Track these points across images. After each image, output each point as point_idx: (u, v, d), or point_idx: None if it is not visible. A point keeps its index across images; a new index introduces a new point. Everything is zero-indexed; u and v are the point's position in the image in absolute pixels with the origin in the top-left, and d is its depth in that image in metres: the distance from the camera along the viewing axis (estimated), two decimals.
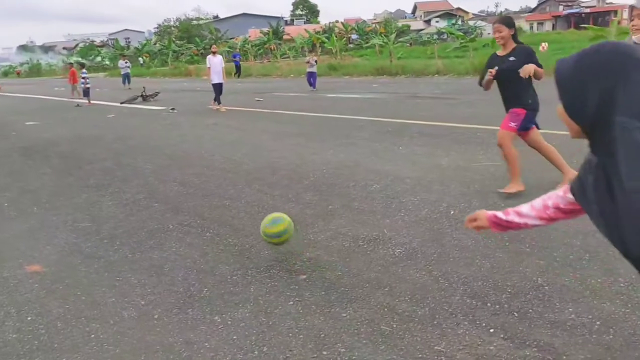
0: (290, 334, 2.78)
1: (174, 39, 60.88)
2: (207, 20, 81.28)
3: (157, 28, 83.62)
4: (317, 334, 2.76)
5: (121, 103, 18.00)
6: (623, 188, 1.20)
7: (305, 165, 6.66)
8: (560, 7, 72.80)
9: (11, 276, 3.77)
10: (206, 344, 2.75)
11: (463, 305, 2.93)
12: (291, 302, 3.12)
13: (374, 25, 58.15)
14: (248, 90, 21.37)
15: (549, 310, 2.81)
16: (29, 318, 3.15)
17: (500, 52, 4.85)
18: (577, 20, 59.49)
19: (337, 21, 61.10)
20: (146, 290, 3.42)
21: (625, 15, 50.65)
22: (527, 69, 4.44)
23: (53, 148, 9.21)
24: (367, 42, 46.83)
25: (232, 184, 5.92)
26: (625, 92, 1.20)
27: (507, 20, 4.81)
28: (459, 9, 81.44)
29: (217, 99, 14.10)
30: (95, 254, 4.12)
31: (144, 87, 19.45)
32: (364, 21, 64.70)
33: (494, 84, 4.87)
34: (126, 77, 27.43)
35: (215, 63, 13.90)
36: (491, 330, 2.66)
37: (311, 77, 19.59)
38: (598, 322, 2.66)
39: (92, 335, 2.91)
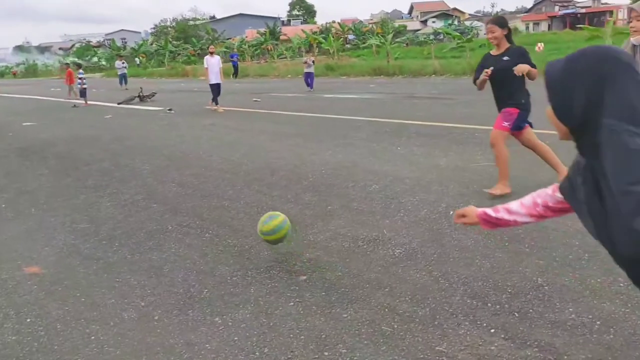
0: (292, 335, 2.77)
1: (170, 40, 60.76)
2: (204, 21, 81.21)
3: (154, 28, 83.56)
4: (318, 334, 2.76)
5: (118, 103, 17.96)
6: (611, 190, 1.22)
7: (303, 165, 6.66)
8: (556, 8, 73.05)
9: (10, 278, 3.76)
10: (207, 345, 2.75)
11: (464, 306, 2.94)
12: (292, 303, 3.12)
13: (370, 25, 58.23)
14: (245, 90, 21.35)
15: (549, 310, 2.82)
16: (28, 320, 3.14)
17: (494, 52, 4.88)
18: (572, 21, 59.66)
19: (333, 21, 61.17)
20: (146, 292, 3.41)
21: (621, 15, 50.92)
22: (521, 67, 4.49)
23: (50, 149, 9.18)
24: (364, 43, 46.84)
25: (230, 185, 5.91)
26: (612, 96, 1.23)
27: (500, 20, 4.84)
28: (455, 9, 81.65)
29: (214, 100, 14.07)
30: (94, 255, 4.11)
31: (141, 88, 19.39)
32: (361, 21, 64.72)
33: (488, 84, 4.89)
34: (123, 78, 27.34)
35: (213, 63, 13.88)
36: (492, 331, 2.67)
37: (308, 78, 19.57)
38: (598, 322, 2.67)
39: (92, 337, 2.90)
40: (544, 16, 68.04)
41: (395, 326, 2.78)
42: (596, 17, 57.40)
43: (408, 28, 61.43)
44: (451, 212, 4.49)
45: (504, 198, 4.51)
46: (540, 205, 1.69)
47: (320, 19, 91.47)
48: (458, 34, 35.07)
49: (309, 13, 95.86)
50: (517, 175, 5.07)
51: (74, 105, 18.14)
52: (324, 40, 41.89)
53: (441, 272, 3.39)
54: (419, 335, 2.68)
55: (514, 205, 1.77)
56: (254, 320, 2.95)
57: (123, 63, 28.12)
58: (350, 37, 53.59)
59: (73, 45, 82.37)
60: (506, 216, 1.78)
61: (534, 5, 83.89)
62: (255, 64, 43.83)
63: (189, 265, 3.78)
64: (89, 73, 25.79)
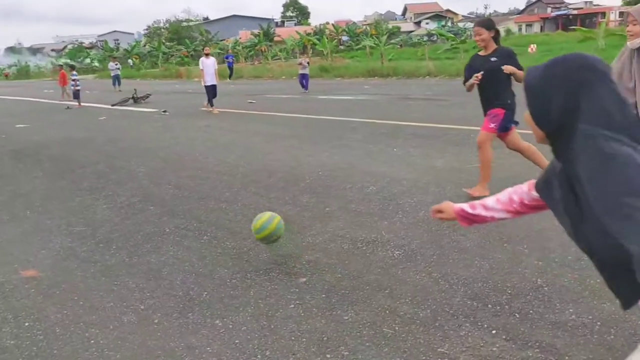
0: (293, 338, 2.77)
1: (163, 41, 60.58)
2: (197, 22, 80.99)
3: (147, 30, 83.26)
4: (319, 337, 2.75)
5: (112, 105, 17.88)
6: (586, 194, 1.25)
7: (300, 167, 6.65)
8: (549, 9, 73.47)
9: (6, 281, 3.73)
10: (208, 348, 2.73)
11: (464, 307, 2.94)
12: (292, 305, 3.11)
13: (364, 27, 58.27)
14: (240, 91, 21.32)
15: (550, 311, 2.83)
16: (26, 324, 3.11)
17: (482, 53, 4.90)
18: (565, 22, 60.06)
19: (327, 23, 61.15)
20: (145, 295, 3.40)
21: (612, 17, 51.19)
22: (509, 67, 4.56)
23: (44, 151, 9.12)
24: (357, 44, 46.92)
25: (227, 187, 5.89)
26: (588, 102, 1.28)
27: (486, 22, 4.87)
28: (448, 10, 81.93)
29: (210, 101, 14.05)
30: (91, 258, 4.09)
31: (135, 89, 19.34)
32: (354, 23, 64.80)
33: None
34: (116, 79, 27.22)
35: (208, 65, 13.84)
36: (493, 332, 2.67)
37: (303, 79, 19.57)
38: (599, 323, 2.68)
39: (92, 341, 2.88)
40: (537, 17, 68.43)
41: (397, 328, 2.78)
42: (588, 19, 57.79)
43: (402, 29, 61.65)
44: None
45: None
46: (516, 202, 1.73)
47: (314, 21, 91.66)
48: (452, 35, 35.25)
49: (303, 14, 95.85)
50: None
51: (68, 107, 18.06)
52: (318, 42, 41.90)
53: (441, 273, 3.40)
54: (420, 337, 2.68)
55: (490, 201, 1.80)
56: (255, 323, 2.94)
57: (116, 64, 28.00)
58: (344, 38, 53.65)
59: (65, 47, 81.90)
60: (483, 212, 1.82)
61: (527, 7, 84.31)
62: (249, 65, 43.77)
63: (188, 268, 3.77)
64: (82, 74, 25.65)
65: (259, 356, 2.62)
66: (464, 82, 5.01)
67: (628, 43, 3.12)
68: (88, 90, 24.87)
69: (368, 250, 3.86)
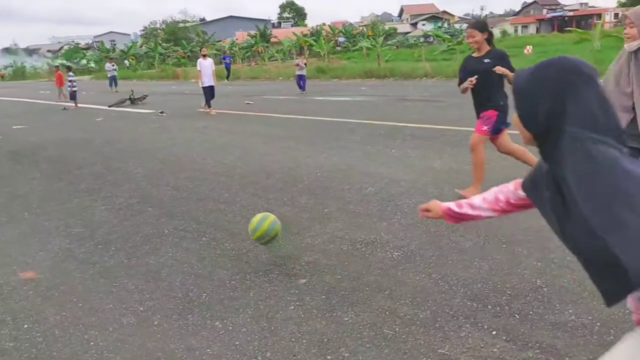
0: (293, 339, 2.77)
1: (160, 42, 60.44)
2: (194, 23, 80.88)
3: (143, 30, 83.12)
4: (320, 338, 2.75)
5: (109, 106, 17.84)
6: (573, 195, 1.28)
7: (298, 168, 6.65)
8: (544, 11, 73.78)
9: (5, 283, 3.72)
10: (208, 350, 2.73)
11: (464, 308, 2.95)
12: (292, 307, 3.11)
13: (360, 28, 58.31)
14: (237, 93, 21.29)
15: (549, 312, 2.84)
16: (25, 326, 3.10)
17: (475, 55, 4.92)
18: (560, 24, 60.32)
19: (324, 24, 61.12)
20: (144, 296, 3.39)
21: (608, 18, 51.39)
22: (500, 68, 4.57)
23: (41, 152, 9.10)
24: (354, 45, 46.94)
25: (226, 188, 5.89)
26: (575, 105, 1.30)
27: (479, 25, 4.88)
28: (444, 12, 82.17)
29: (207, 102, 14.04)
30: (90, 259, 4.08)
31: (132, 90, 19.30)
32: (351, 24, 64.83)
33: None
34: (113, 80, 27.18)
35: (206, 66, 13.83)
36: (493, 333, 2.68)
37: (301, 80, 19.56)
38: (598, 323, 2.69)
39: (92, 343, 2.87)
40: (532, 19, 68.67)
41: (397, 329, 2.78)
42: (583, 20, 58.06)
43: (398, 31, 61.65)
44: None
45: None
46: (502, 201, 1.76)
47: (311, 22, 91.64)
48: (448, 36, 35.29)
49: (300, 15, 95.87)
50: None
51: (64, 108, 18.02)
52: (314, 43, 41.86)
53: (440, 274, 3.40)
54: (420, 338, 2.68)
55: (476, 200, 1.84)
56: (255, 325, 2.94)
57: (113, 65, 27.94)
58: (341, 39, 53.65)
59: (61, 48, 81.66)
60: (469, 211, 1.86)
61: (523, 8, 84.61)
62: (246, 66, 43.74)
63: (187, 269, 3.76)
64: (78, 75, 25.56)
65: (259, 358, 2.62)
66: (459, 84, 5.03)
67: (625, 46, 3.14)
68: (84, 91, 24.81)
69: (367, 252, 3.87)
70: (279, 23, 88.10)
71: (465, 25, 55.70)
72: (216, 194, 5.69)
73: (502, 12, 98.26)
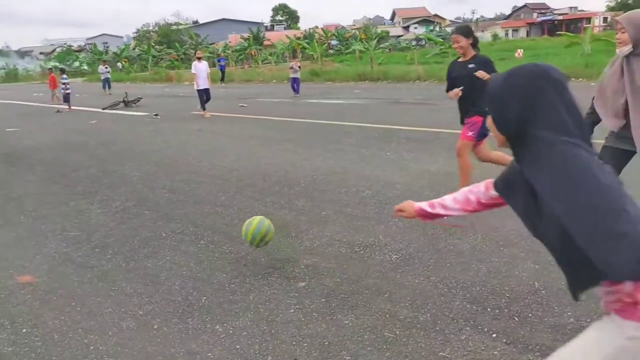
0: (294, 342, 2.77)
1: (153, 44, 60.31)
2: (187, 26, 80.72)
3: (136, 33, 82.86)
4: (321, 341, 2.76)
5: (103, 109, 17.77)
6: (546, 197, 1.35)
7: (295, 171, 6.66)
8: (534, 14, 74.32)
9: (2, 287, 3.69)
10: (209, 354, 2.73)
11: (464, 311, 2.97)
12: (292, 310, 3.11)
13: (353, 31, 58.45)
14: (231, 95, 21.27)
15: (549, 314, 2.86)
16: (24, 330, 3.09)
17: (460, 59, 4.96)
18: (550, 27, 60.81)
19: (317, 27, 61.22)
20: (143, 300, 3.38)
21: (597, 22, 51.77)
22: (482, 72, 4.60)
23: (36, 155, 9.04)
24: (347, 48, 47.07)
25: (222, 191, 5.88)
26: (544, 110, 1.38)
27: (464, 30, 4.90)
28: (436, 15, 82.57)
29: (202, 105, 14.02)
30: (88, 263, 4.06)
31: (125, 93, 19.24)
32: (343, 27, 65.02)
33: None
34: (106, 83, 27.08)
35: (201, 69, 13.82)
36: (493, 335, 2.70)
37: (295, 83, 19.59)
38: None
39: (91, 347, 2.86)
40: (523, 23, 69.19)
41: (398, 332, 2.80)
42: (573, 24, 58.58)
43: (390, 34, 61.86)
44: (445, 218, 4.52)
45: None
46: (473, 202, 1.85)
47: (304, 25, 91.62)
48: (441, 40, 35.45)
49: (292, 18, 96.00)
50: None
51: (58, 111, 17.93)
52: (308, 46, 41.95)
53: (439, 277, 3.42)
54: (421, 341, 2.70)
55: (448, 201, 1.94)
56: (255, 328, 2.94)
57: (106, 68, 27.83)
58: (334, 42, 53.77)
59: (54, 50, 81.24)
60: (442, 211, 1.97)
61: (513, 12, 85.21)
62: (240, 69, 43.72)
63: (186, 273, 3.76)
64: (71, 78, 25.25)
65: None
66: (447, 89, 5.08)
67: (617, 50, 3.17)
68: (78, 94, 24.70)
69: (366, 255, 3.88)
70: (272, 26, 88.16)
71: None
72: (213, 196, 5.69)
73: (492, 16, 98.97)
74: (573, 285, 1.45)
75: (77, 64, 61.71)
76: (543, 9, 78.12)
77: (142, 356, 2.75)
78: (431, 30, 57.77)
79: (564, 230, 1.30)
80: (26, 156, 8.99)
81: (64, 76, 18.88)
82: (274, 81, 30.48)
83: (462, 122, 4.99)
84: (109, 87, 26.97)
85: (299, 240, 4.23)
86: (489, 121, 1.54)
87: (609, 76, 3.25)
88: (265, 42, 54.51)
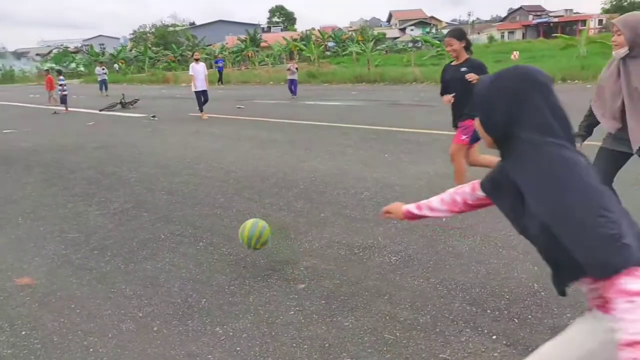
0: (294, 345, 2.77)
1: (150, 46, 60.23)
2: (184, 27, 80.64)
3: (133, 34, 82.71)
4: (321, 343, 2.76)
5: (100, 110, 17.74)
6: (532, 197, 1.38)
7: (293, 173, 6.66)
8: (530, 17, 74.62)
9: (1, 289, 3.69)
10: (210, 356, 2.73)
11: (463, 312, 2.97)
12: (292, 312, 3.12)
13: (350, 33, 58.50)
14: (228, 97, 21.26)
15: (548, 316, 2.87)
16: (23, 332, 3.08)
17: (454, 63, 4.98)
18: (545, 30, 61.04)
19: (313, 29, 61.29)
20: (143, 302, 3.38)
21: (592, 24, 51.97)
22: (473, 75, 4.64)
23: (33, 157, 9.02)
24: (344, 50, 47.08)
25: (221, 193, 5.88)
26: (529, 112, 1.41)
27: (457, 33, 4.92)
28: (432, 17, 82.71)
29: (199, 106, 14.01)
30: (86, 265, 4.05)
31: (122, 94, 19.20)
32: (340, 29, 65.07)
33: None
34: (103, 84, 27.04)
35: (199, 70, 13.80)
36: (494, 337, 2.70)
37: (292, 84, 19.59)
38: None
39: (91, 350, 2.86)
40: (519, 25, 69.47)
41: (398, 334, 2.80)
42: (568, 26, 58.81)
43: (387, 36, 61.94)
44: (444, 219, 4.53)
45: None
46: (459, 203, 1.89)
47: (300, 26, 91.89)
48: (438, 42, 35.52)
49: (289, 20, 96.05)
50: None
51: (55, 112, 17.88)
52: (304, 47, 41.95)
53: (438, 278, 3.43)
54: (421, 343, 2.70)
55: (435, 203, 1.98)
56: (256, 330, 2.94)
57: (103, 69, 27.80)
58: (330, 44, 53.82)
59: (50, 51, 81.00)
60: (428, 213, 2.03)
61: (509, 15, 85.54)
62: (236, 70, 43.70)
63: (185, 275, 3.75)
64: (67, 79, 25.13)
65: None
66: (441, 92, 5.11)
67: (613, 53, 3.19)
68: (75, 95, 24.64)
69: (365, 256, 3.88)
70: (269, 27, 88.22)
71: None
72: (211, 198, 5.68)
73: (488, 18, 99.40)
74: (557, 281, 1.49)
75: (73, 65, 61.52)
76: (538, 11, 78.46)
77: (142, 358, 2.75)
78: (427, 32, 57.82)
79: (549, 229, 1.33)
80: (23, 158, 8.97)
81: (61, 77, 18.85)
82: (271, 83, 30.48)
83: (455, 126, 5.02)
84: (106, 88, 26.92)
85: (298, 242, 4.23)
86: (476, 122, 1.57)
87: (606, 78, 3.27)
88: (262, 44, 54.56)
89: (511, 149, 1.46)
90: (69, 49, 76.73)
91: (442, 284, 3.34)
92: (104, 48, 73.23)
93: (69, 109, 18.33)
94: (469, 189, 1.84)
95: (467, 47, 4.85)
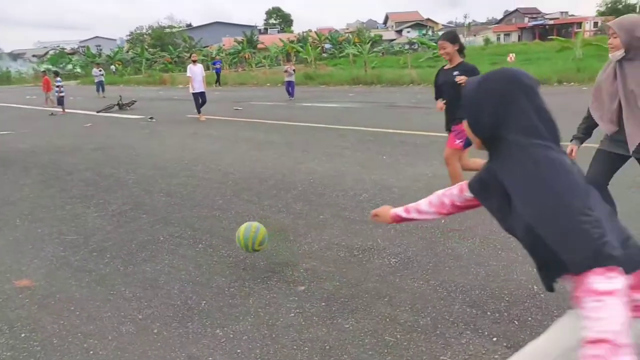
0: (295, 347, 2.77)
1: (146, 47, 60.18)
2: (180, 29, 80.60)
3: (129, 36, 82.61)
4: (322, 345, 2.76)
5: (98, 112, 17.71)
6: (518, 197, 1.41)
7: (291, 174, 6.67)
8: (526, 19, 74.89)
9: (0, 291, 3.67)
10: (210, 358, 2.73)
11: (464, 314, 2.98)
12: (292, 314, 3.12)
13: (346, 35, 58.57)
14: (226, 98, 21.24)
15: (548, 318, 2.87)
16: (22, 335, 3.07)
17: (447, 66, 5.00)
18: (541, 32, 61.31)
19: (310, 30, 61.36)
20: (142, 304, 3.37)
21: (587, 27, 52.19)
22: (462, 77, 4.66)
23: (30, 158, 9.00)
24: (340, 52, 47.15)
25: (220, 194, 5.88)
26: (515, 114, 1.44)
27: (450, 36, 4.92)
28: (428, 19, 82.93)
29: (197, 108, 14.00)
30: (85, 267, 4.05)
31: (120, 96, 19.18)
32: (337, 31, 65.11)
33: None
34: (100, 85, 27.01)
35: (196, 72, 13.78)
36: (494, 339, 2.71)
37: (289, 86, 19.60)
38: None
39: (91, 352, 2.85)
40: (514, 27, 69.72)
41: (398, 336, 2.81)
42: (564, 29, 59.10)
43: (383, 38, 62.03)
44: (442, 221, 4.54)
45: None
46: (447, 205, 1.91)
47: (297, 28, 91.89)
48: (434, 43, 35.60)
49: (286, 22, 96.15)
50: None
51: (52, 114, 17.83)
52: (301, 49, 41.99)
53: (438, 280, 3.44)
54: (422, 345, 2.71)
55: (423, 205, 2.00)
56: (256, 332, 2.94)
57: (100, 70, 27.77)
58: (327, 46, 53.86)
59: (47, 52, 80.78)
60: (416, 216, 2.04)
61: (505, 17, 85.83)
62: (234, 72, 43.69)
63: (185, 277, 3.75)
64: (64, 81, 25.02)
65: None
66: (435, 97, 5.14)
67: (610, 55, 3.21)
68: (72, 97, 24.60)
69: (364, 258, 3.89)
70: (266, 29, 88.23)
71: None
72: (210, 200, 5.68)
73: (484, 20, 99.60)
74: (544, 277, 1.56)
75: (70, 66, 61.37)
76: (534, 13, 78.75)
77: None
78: (424, 34, 57.97)
79: (533, 230, 1.36)
80: (21, 159, 8.94)
81: (58, 79, 18.82)
82: (268, 84, 30.48)
83: (448, 129, 5.04)
84: (103, 89, 26.90)
85: (298, 244, 4.23)
86: (465, 124, 1.59)
87: (603, 80, 3.28)
88: (259, 46, 54.56)
89: (498, 150, 1.49)
90: (65, 50, 76.54)
91: (442, 286, 3.35)
92: (101, 49, 73.03)
93: (66, 110, 18.29)
94: (457, 191, 1.87)
95: (461, 51, 4.86)
